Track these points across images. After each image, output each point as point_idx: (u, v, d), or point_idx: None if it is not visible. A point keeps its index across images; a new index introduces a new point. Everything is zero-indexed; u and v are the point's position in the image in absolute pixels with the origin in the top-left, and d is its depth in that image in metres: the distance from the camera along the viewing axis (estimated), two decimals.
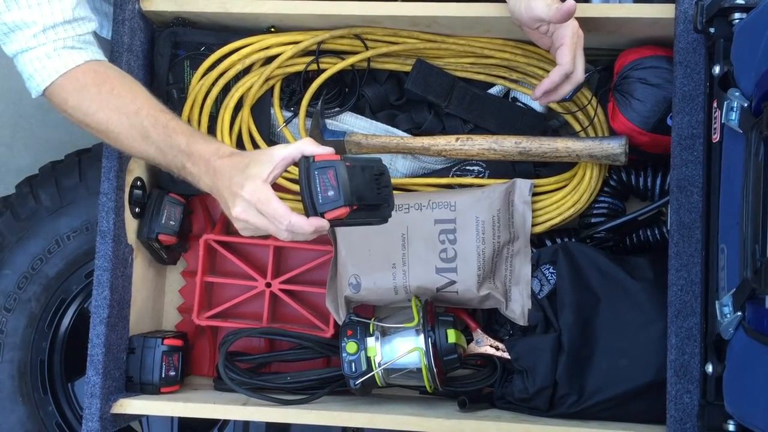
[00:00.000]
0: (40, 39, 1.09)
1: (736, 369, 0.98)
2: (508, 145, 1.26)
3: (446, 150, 1.28)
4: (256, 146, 1.32)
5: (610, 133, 1.28)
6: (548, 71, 1.27)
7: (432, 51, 1.29)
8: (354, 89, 1.32)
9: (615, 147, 1.22)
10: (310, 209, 0.99)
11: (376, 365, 1.20)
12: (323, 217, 0.99)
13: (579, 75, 1.15)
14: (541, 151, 1.25)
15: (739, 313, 0.96)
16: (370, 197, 1.01)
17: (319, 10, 1.24)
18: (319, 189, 0.98)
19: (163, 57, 1.31)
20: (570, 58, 1.14)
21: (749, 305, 0.94)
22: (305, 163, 1.00)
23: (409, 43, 1.28)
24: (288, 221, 0.98)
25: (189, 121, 1.31)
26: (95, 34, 1.19)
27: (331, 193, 0.98)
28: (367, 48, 1.29)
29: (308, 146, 1.01)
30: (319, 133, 1.30)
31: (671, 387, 1.09)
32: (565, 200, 1.28)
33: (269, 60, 1.30)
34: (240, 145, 1.33)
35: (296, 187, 1.32)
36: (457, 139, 1.27)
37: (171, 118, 1.10)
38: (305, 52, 1.30)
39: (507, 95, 1.33)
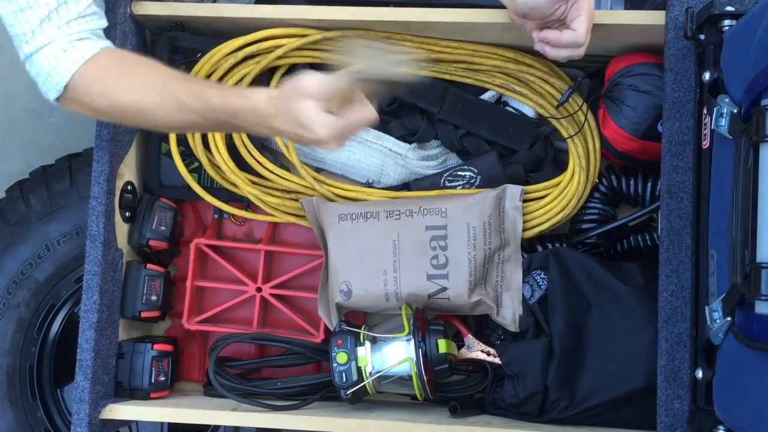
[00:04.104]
0: (53, 35, 1.06)
1: (726, 374, 0.99)
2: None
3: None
4: (245, 151, 1.33)
5: (600, 142, 1.28)
6: (541, 77, 1.28)
7: (424, 53, 1.29)
8: None
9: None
10: None
11: (367, 375, 1.20)
12: None
13: (582, 51, 1.13)
14: None
15: (729, 319, 0.96)
16: None
17: (312, 15, 1.24)
18: None
19: (161, 61, 1.31)
20: (584, 30, 1.11)
21: (739, 310, 0.94)
22: None
23: (404, 46, 1.28)
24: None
25: None
26: None
27: None
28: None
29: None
30: None
31: (662, 392, 1.09)
32: (553, 206, 1.28)
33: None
34: (233, 148, 1.32)
35: (289, 184, 1.32)
36: None
37: (198, 82, 1.15)
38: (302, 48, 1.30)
39: (499, 100, 1.34)
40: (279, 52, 1.27)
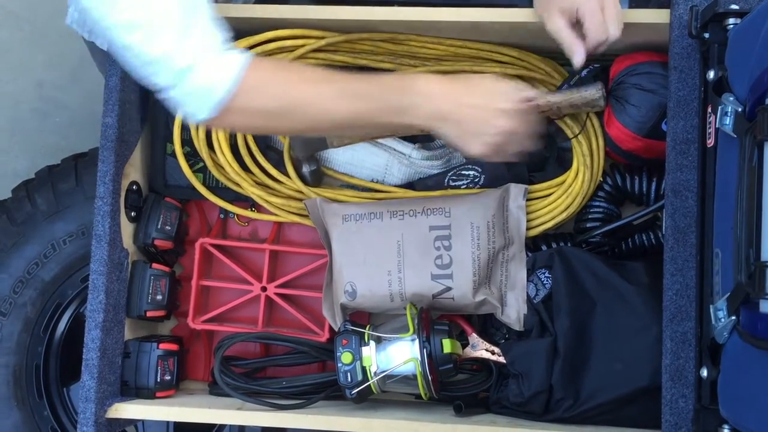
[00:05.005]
0: (201, 48, 1.00)
1: (730, 373, 0.98)
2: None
3: None
4: (249, 150, 1.33)
5: (605, 140, 1.28)
6: (544, 77, 1.28)
7: (429, 52, 1.29)
8: None
9: (593, 92, 1.19)
10: None
11: (372, 375, 1.20)
12: None
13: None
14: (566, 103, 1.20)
15: (734, 318, 0.96)
16: None
17: (317, 15, 1.24)
18: None
19: None
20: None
21: (743, 309, 0.94)
22: None
23: (409, 45, 1.28)
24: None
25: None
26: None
27: None
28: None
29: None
30: None
31: (666, 391, 1.09)
32: (557, 204, 1.28)
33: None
34: (238, 149, 1.33)
35: (289, 190, 1.32)
36: None
37: (358, 72, 1.17)
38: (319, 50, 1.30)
39: None
40: (299, 52, 1.26)
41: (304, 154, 1.31)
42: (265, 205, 1.34)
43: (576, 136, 1.28)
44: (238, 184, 1.33)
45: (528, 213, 1.28)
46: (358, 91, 1.08)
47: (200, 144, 1.32)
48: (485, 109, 1.09)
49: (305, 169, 1.32)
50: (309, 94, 1.06)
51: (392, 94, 1.08)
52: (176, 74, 0.99)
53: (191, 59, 0.99)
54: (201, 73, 1.00)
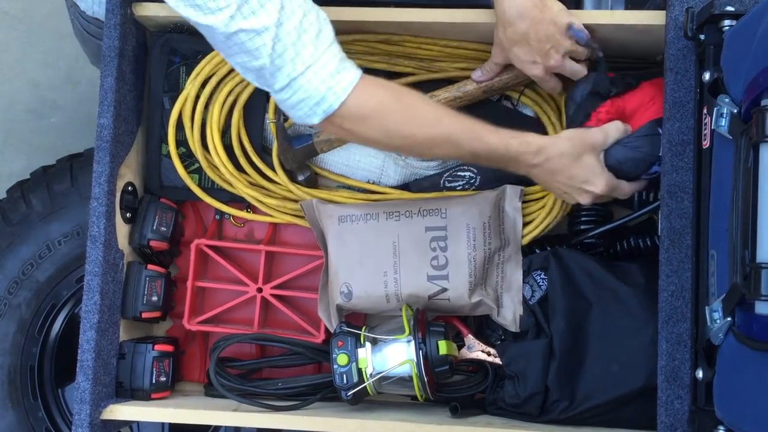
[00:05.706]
0: (325, 54, 1.02)
1: (726, 374, 0.99)
2: (470, 88, 1.26)
3: None
4: (244, 150, 1.33)
5: None
6: None
7: (424, 53, 1.29)
8: None
9: None
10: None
11: (368, 377, 1.20)
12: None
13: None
14: (503, 82, 1.26)
15: (729, 319, 0.96)
16: None
17: None
18: None
19: (159, 64, 1.31)
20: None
21: (739, 311, 0.94)
22: None
23: (404, 46, 1.28)
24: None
25: (180, 116, 1.31)
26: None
27: None
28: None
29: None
30: (288, 145, 1.30)
31: (662, 393, 1.09)
32: (552, 206, 1.28)
33: None
34: (233, 149, 1.33)
35: (280, 190, 1.32)
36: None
37: (469, 120, 1.13)
38: None
39: (500, 100, 1.34)
40: None
41: (296, 165, 1.31)
42: (259, 206, 1.34)
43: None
44: (232, 185, 1.33)
45: (523, 215, 1.28)
46: (462, 145, 1.11)
47: (195, 144, 1.31)
48: (572, 187, 1.17)
49: (300, 177, 1.32)
50: (414, 136, 1.10)
51: (496, 155, 1.13)
52: (290, 79, 1.01)
53: (306, 65, 1.01)
54: (313, 79, 1.02)
